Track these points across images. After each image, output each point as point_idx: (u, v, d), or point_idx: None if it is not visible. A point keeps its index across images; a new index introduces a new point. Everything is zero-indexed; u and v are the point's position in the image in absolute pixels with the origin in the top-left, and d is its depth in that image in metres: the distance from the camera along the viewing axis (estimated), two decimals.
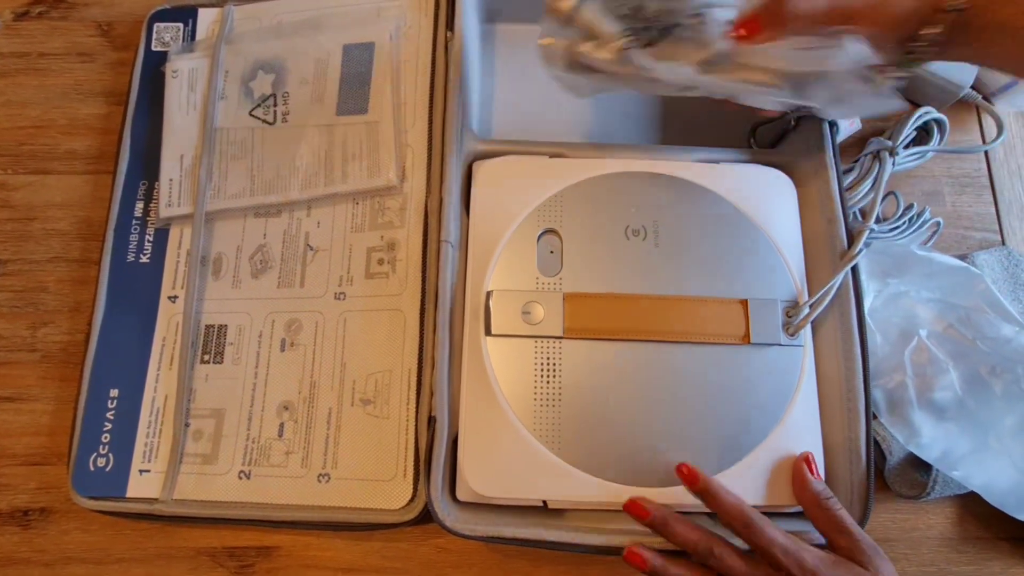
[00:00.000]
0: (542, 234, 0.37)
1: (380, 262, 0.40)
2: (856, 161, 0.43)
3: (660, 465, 0.33)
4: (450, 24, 0.42)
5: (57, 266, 0.44)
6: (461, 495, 0.35)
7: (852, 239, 0.37)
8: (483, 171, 0.39)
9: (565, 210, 0.37)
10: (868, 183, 0.42)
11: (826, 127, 0.39)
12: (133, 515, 0.37)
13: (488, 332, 0.35)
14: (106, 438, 0.38)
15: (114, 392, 0.39)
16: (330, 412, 0.38)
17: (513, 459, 0.34)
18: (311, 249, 0.41)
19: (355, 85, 0.42)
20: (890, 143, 0.43)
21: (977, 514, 0.39)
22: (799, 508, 0.34)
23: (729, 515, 0.31)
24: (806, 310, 0.35)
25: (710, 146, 0.40)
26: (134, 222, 0.43)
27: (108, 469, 0.38)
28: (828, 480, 0.34)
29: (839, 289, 0.36)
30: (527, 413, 0.34)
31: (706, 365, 0.34)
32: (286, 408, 0.38)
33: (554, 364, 0.34)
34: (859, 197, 0.41)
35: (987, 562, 0.38)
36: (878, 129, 0.45)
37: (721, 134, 0.44)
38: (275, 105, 0.43)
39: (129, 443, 0.38)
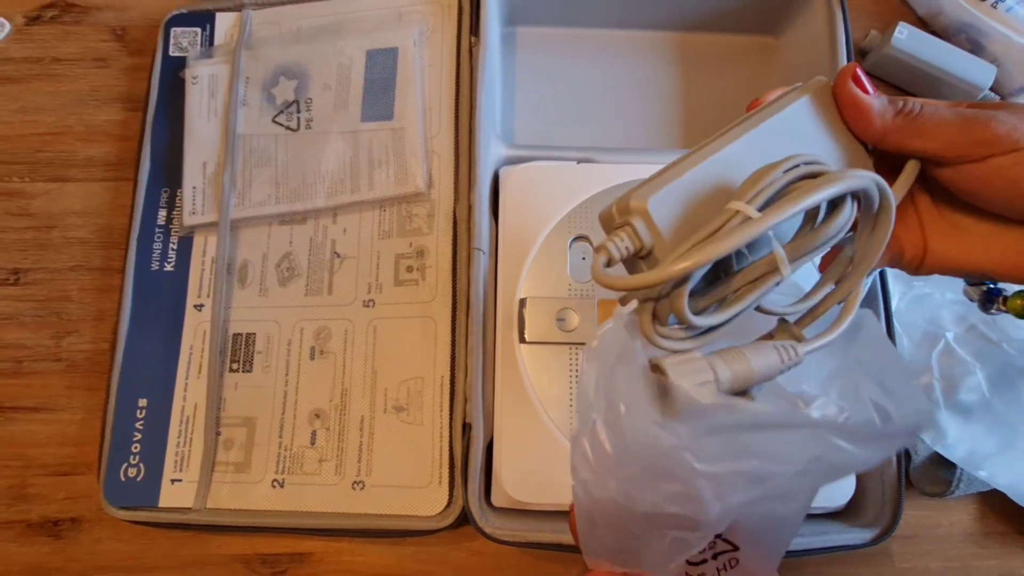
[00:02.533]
0: (573, 240, 0.37)
1: (409, 269, 0.40)
2: None
3: None
4: (474, 29, 0.42)
5: (79, 275, 0.44)
6: (497, 501, 0.35)
7: None
8: (512, 178, 0.39)
9: (596, 216, 0.37)
10: None
11: None
12: (166, 525, 0.38)
13: (522, 339, 0.35)
14: (136, 448, 0.38)
15: (143, 401, 0.39)
16: (362, 419, 0.38)
17: (549, 465, 0.34)
18: (338, 256, 0.41)
19: (379, 91, 0.42)
20: None
21: (999, 509, 0.39)
22: (831, 509, 0.34)
23: None
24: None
25: None
26: (157, 230, 0.42)
27: (139, 479, 0.38)
28: (861, 483, 0.35)
29: (867, 293, 0.36)
30: (563, 419, 0.34)
31: None
32: (318, 416, 0.38)
33: None
34: None
35: (1010, 556, 0.39)
36: None
37: None
38: (298, 112, 0.43)
39: (160, 452, 0.38)
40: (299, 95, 0.43)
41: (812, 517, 0.35)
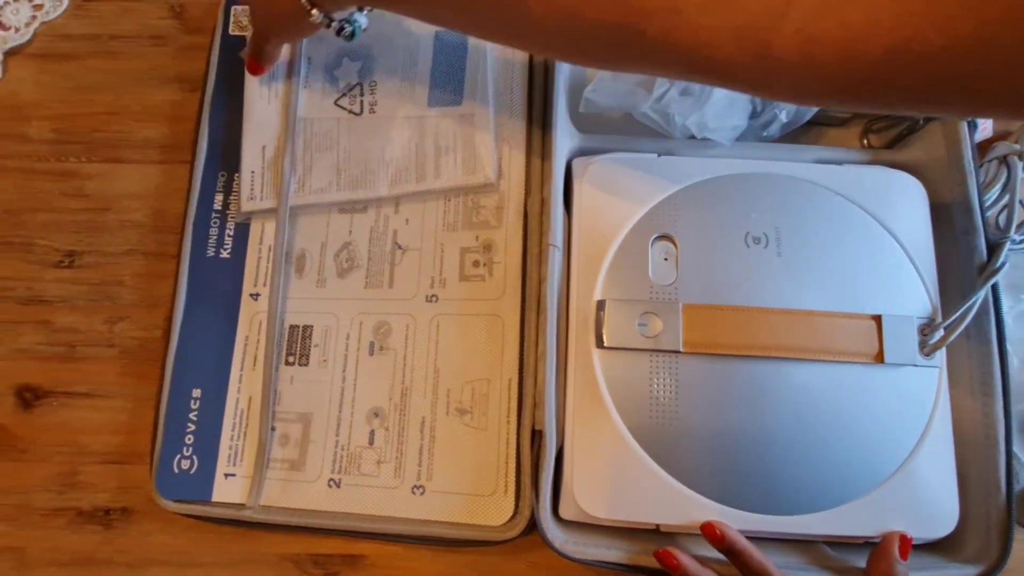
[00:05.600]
0: (655, 239, 0.35)
1: (475, 264, 0.38)
2: (979, 167, 0.40)
3: (783, 492, 0.31)
4: None
5: (133, 259, 0.43)
6: (565, 513, 0.33)
7: (991, 252, 0.34)
8: (589, 170, 0.36)
9: (679, 214, 0.35)
10: (996, 190, 0.39)
11: (964, 127, 0.36)
12: (220, 520, 0.36)
13: (600, 344, 0.33)
14: (190, 439, 0.37)
15: (197, 392, 0.38)
16: (423, 421, 0.36)
17: (626, 479, 0.32)
18: (399, 248, 0.39)
19: (447, 75, 0.40)
20: (1019, 147, 0.40)
21: None
22: (929, 540, 0.32)
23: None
24: (941, 331, 0.33)
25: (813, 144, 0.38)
26: (213, 215, 0.41)
27: (192, 472, 0.37)
28: (963, 513, 0.32)
29: (979, 306, 0.33)
30: (641, 431, 0.32)
31: (836, 385, 0.32)
32: (376, 415, 0.37)
33: (672, 380, 0.32)
34: (986, 205, 0.38)
35: None
36: (1001, 133, 0.42)
37: (828, 132, 0.41)
38: (362, 95, 0.41)
39: (213, 446, 0.37)
40: (363, 77, 0.41)
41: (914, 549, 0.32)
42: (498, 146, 0.39)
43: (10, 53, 0.46)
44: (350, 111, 0.40)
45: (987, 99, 0.21)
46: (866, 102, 0.23)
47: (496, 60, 0.41)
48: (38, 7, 0.46)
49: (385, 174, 0.39)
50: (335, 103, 0.41)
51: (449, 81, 0.40)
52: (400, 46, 0.41)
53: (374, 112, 0.40)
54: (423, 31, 0.41)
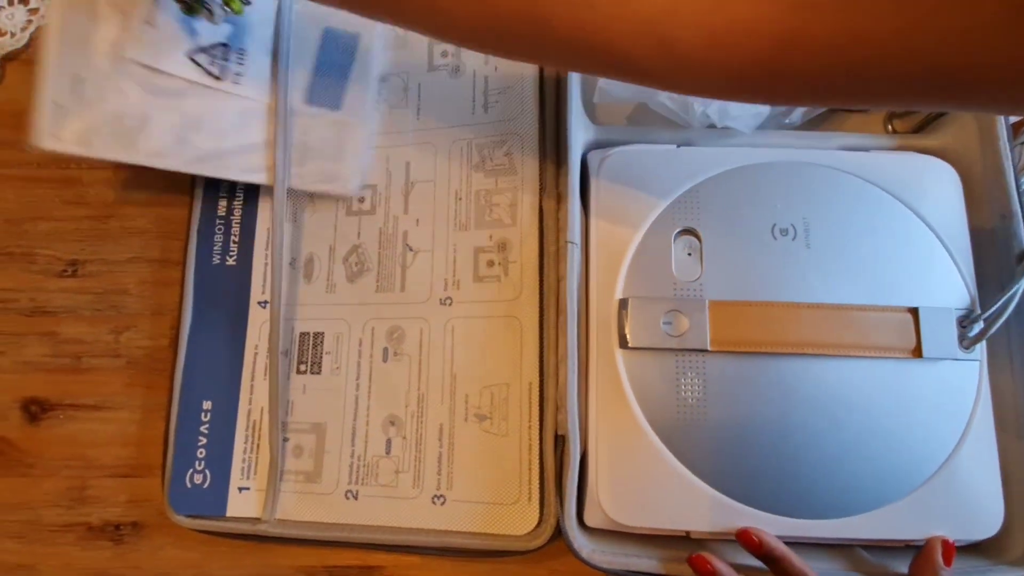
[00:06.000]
0: (678, 234, 0.33)
1: (490, 264, 0.36)
2: (1012, 149, 0.38)
3: (818, 494, 0.30)
4: None
5: (138, 266, 0.42)
6: (591, 521, 0.32)
7: None
8: (606, 164, 0.35)
9: (702, 206, 0.33)
10: None
11: None
12: (235, 535, 0.35)
13: (623, 344, 0.32)
14: (201, 453, 0.36)
15: (207, 404, 0.37)
16: (441, 428, 0.35)
17: (653, 484, 0.30)
18: (410, 249, 0.38)
19: (331, 76, 0.37)
20: None
21: None
22: (972, 541, 0.30)
23: None
24: (981, 324, 0.31)
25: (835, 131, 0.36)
26: (218, 221, 0.40)
27: (206, 486, 0.36)
28: (1008, 513, 0.30)
29: (1021, 297, 0.32)
30: (668, 434, 0.31)
31: (872, 382, 0.31)
32: (392, 423, 0.35)
33: (700, 380, 0.31)
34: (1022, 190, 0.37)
35: None
36: None
37: (850, 118, 0.40)
38: (226, 60, 0.35)
39: (226, 459, 0.36)
40: (231, 41, 0.36)
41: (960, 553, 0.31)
42: (374, 157, 0.37)
43: (7, 59, 0.45)
44: (207, 71, 0.35)
45: (880, 89, 0.21)
46: (764, 95, 0.23)
47: (387, 69, 0.38)
48: (33, 11, 0.45)
49: (240, 158, 0.36)
50: (189, 57, 0.35)
51: (331, 82, 0.38)
52: (286, 25, 0.37)
53: (238, 83, 0.36)
54: (314, 22, 0.38)
